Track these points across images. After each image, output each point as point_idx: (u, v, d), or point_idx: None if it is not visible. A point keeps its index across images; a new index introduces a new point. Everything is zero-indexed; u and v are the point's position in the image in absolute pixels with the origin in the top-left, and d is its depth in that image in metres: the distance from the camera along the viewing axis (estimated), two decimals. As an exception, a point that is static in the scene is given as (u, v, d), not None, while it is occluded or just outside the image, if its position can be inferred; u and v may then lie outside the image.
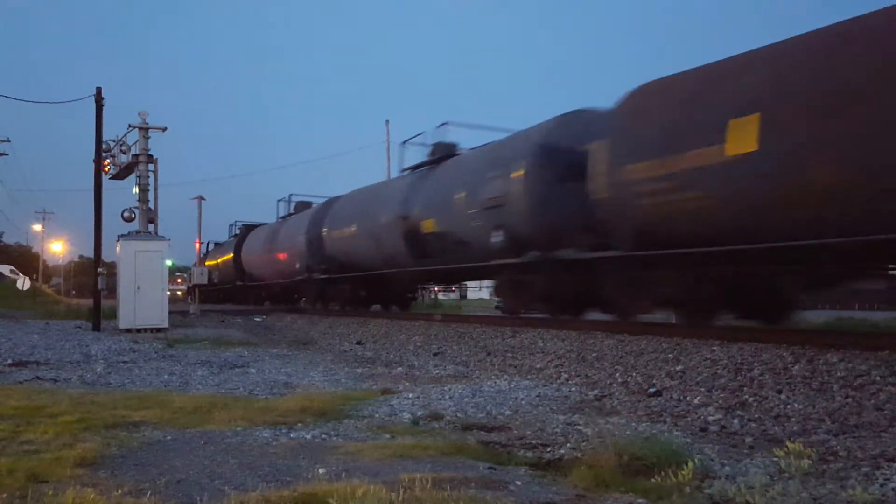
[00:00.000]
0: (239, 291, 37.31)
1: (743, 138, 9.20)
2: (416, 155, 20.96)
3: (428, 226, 18.13)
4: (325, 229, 24.85)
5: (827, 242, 8.78)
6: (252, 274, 34.33)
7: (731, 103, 9.62)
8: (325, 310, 25.77)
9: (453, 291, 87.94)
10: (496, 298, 20.76)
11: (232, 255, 37.26)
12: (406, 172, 21.65)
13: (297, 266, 27.45)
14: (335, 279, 24.56)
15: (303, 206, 30.96)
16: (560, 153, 14.21)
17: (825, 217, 8.65)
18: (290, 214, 31.30)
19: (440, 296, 45.37)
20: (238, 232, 37.43)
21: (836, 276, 10.99)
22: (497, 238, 15.28)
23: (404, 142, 21.94)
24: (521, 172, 14.74)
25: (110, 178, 22.21)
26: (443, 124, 20.56)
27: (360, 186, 25.26)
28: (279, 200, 33.24)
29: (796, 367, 7.97)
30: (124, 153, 21.67)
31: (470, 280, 21.03)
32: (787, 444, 4.70)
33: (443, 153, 19.64)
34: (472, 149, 19.04)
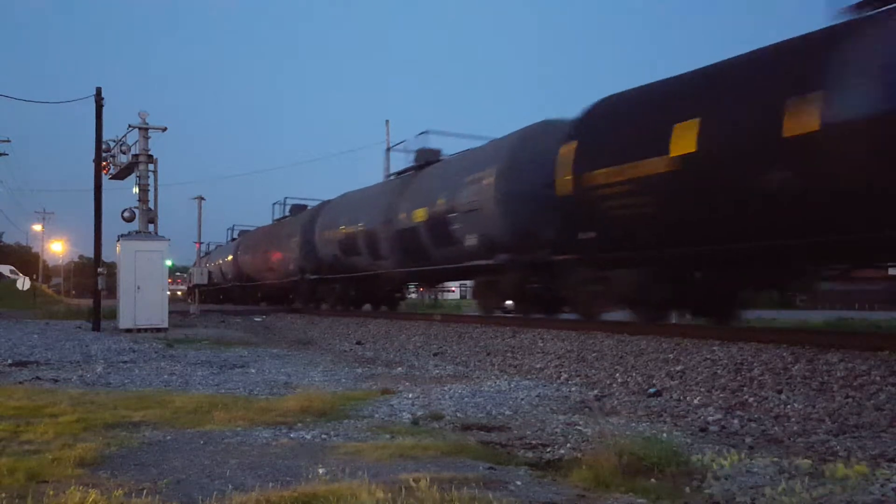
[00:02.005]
0: (237, 292, 38.44)
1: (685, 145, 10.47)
2: (402, 161, 22.32)
3: (411, 229, 19.01)
4: (316, 232, 25.68)
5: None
6: (249, 275, 35.24)
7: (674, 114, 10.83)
8: (318, 309, 26.37)
9: (452, 292, 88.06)
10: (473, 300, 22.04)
11: (231, 257, 38.64)
12: (392, 177, 22.57)
13: (291, 267, 28.37)
14: (326, 279, 25.34)
15: (297, 209, 31.73)
16: (529, 161, 15.01)
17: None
18: (284, 217, 32.19)
19: (441, 295, 46.06)
20: (236, 236, 39.18)
21: (779, 277, 11.78)
22: (472, 241, 16.24)
23: (389, 148, 23.32)
24: (492, 179, 15.67)
25: (110, 178, 22.22)
26: (423, 132, 21.81)
27: (360, 186, 25.72)
28: (274, 203, 34.30)
29: (796, 367, 7.98)
30: (124, 153, 21.68)
31: (451, 281, 22.42)
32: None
33: (425, 160, 20.60)
34: (452, 155, 20.06)
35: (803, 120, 8.54)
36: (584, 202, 12.51)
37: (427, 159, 20.61)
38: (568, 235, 13.35)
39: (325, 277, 25.36)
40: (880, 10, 8.52)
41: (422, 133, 21.61)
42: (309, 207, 30.09)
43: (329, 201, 27.35)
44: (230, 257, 37.69)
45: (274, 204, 34.18)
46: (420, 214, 18.49)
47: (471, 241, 16.26)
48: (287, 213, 31.60)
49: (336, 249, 24.14)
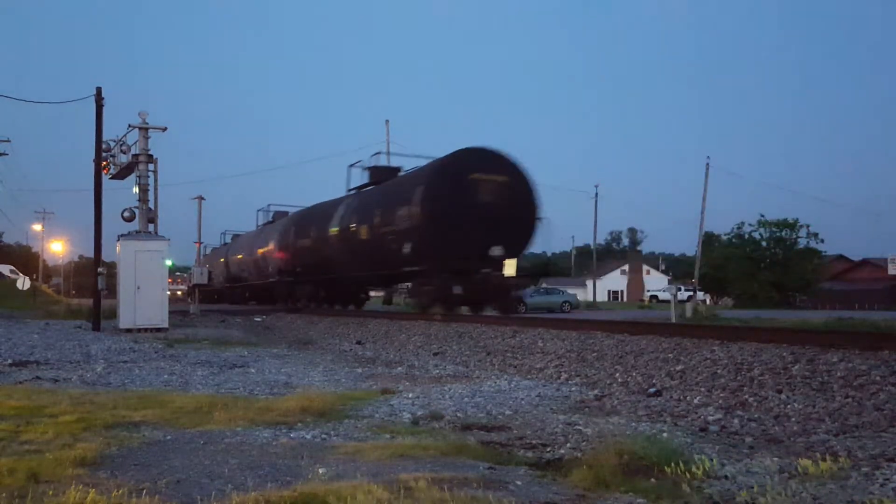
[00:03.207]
0: (228, 292, 41.17)
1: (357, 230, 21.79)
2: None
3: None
4: (290, 238, 28.97)
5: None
6: (237, 276, 38.10)
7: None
8: (295, 307, 28.91)
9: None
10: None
11: (222, 259, 41.38)
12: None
13: (271, 269, 31.43)
14: (300, 282, 28.28)
15: (280, 215, 34.07)
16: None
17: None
18: (268, 223, 34.79)
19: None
20: (228, 240, 42.37)
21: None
22: (407, 250, 18.99)
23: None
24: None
25: (110, 178, 22.20)
26: (376, 153, 25.79)
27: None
28: (259, 210, 37.21)
29: (796, 367, 7.97)
30: (124, 153, 21.67)
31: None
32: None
33: (377, 178, 23.62)
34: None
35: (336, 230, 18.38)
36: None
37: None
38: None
39: (299, 280, 28.40)
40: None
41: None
42: (289, 214, 32.95)
43: (300, 211, 30.78)
44: (222, 260, 39.74)
45: (258, 210, 37.21)
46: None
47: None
48: (270, 219, 33.95)
49: (306, 255, 27.25)
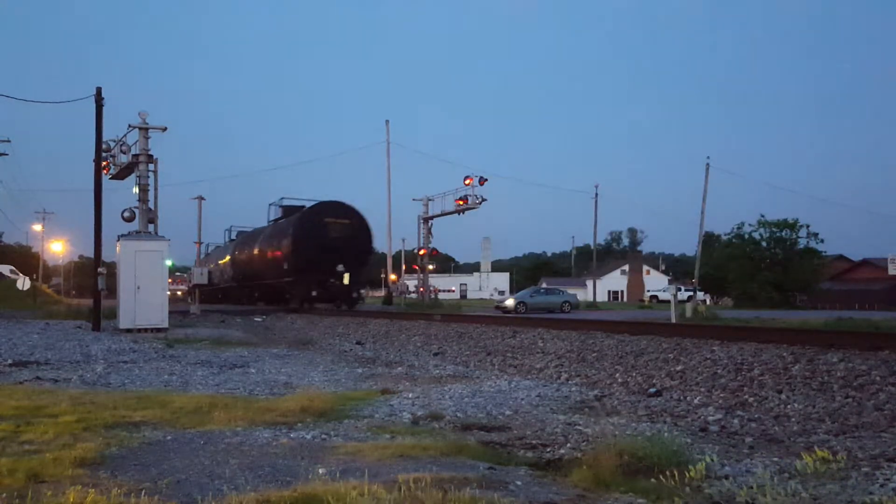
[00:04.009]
0: (208, 292, 44.11)
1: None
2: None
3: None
4: (236, 252, 38.02)
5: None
6: (213, 280, 42.60)
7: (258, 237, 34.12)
8: (244, 306, 35.11)
9: (452, 292, 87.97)
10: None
11: (228, 257, 44.00)
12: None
13: (226, 276, 39.95)
14: (243, 286, 36.74)
15: (290, 210, 35.77)
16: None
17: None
18: (232, 240, 42.40)
19: (441, 295, 46.85)
20: (234, 237, 45.15)
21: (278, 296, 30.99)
22: (286, 266, 29.29)
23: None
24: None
25: (110, 178, 22.20)
26: (283, 198, 34.03)
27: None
28: (226, 230, 44.28)
29: (796, 367, 7.98)
30: (124, 153, 21.66)
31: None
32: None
33: (286, 213, 32.63)
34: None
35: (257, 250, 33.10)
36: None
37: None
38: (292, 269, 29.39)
39: (243, 285, 37.00)
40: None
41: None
42: (245, 232, 40.66)
43: (243, 232, 40.51)
44: (228, 258, 40.49)
45: (226, 230, 44.39)
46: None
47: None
48: (280, 216, 35.21)
49: (245, 266, 36.24)
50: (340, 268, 28.20)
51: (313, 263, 27.47)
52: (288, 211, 33.50)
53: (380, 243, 37.65)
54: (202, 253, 44.79)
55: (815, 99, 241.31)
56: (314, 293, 28.12)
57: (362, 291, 31.23)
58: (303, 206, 31.94)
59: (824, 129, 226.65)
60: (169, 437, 5.52)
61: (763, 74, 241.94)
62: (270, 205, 35.76)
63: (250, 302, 35.75)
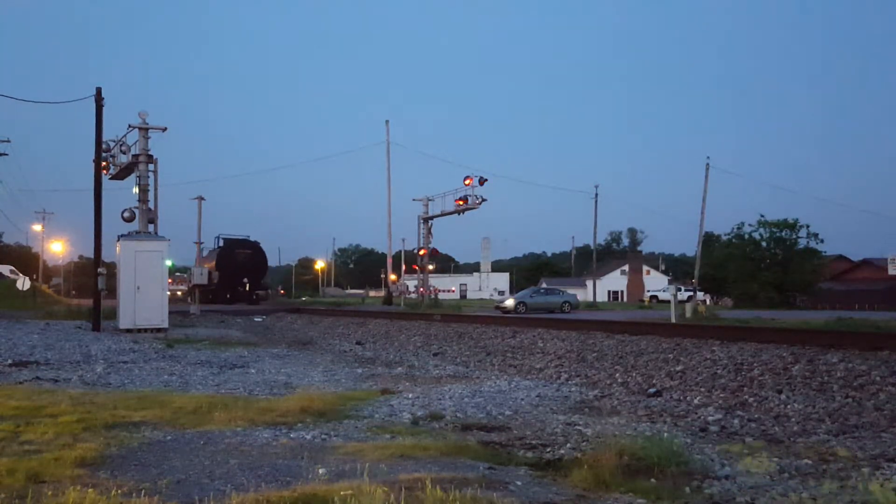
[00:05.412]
0: (202, 291, 47.97)
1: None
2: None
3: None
4: (210, 261, 45.41)
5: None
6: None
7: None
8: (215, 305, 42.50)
9: (452, 292, 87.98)
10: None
11: (214, 262, 48.93)
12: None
13: (193, 282, 46.55)
14: (211, 288, 44.45)
15: (225, 242, 46.64)
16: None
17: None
18: (213, 249, 48.69)
19: (440, 295, 47.12)
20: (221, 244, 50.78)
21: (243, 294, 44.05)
22: (214, 279, 40.47)
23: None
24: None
25: (110, 179, 22.20)
26: (219, 235, 46.30)
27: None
28: (215, 238, 50.64)
29: (796, 367, 7.98)
30: (124, 153, 21.66)
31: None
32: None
33: (220, 244, 45.54)
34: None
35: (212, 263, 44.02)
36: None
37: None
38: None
39: (210, 287, 44.30)
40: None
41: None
42: (212, 247, 48.34)
43: (210, 248, 48.53)
44: (214, 262, 45.35)
45: (215, 237, 50.25)
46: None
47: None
48: (220, 245, 46.68)
49: (209, 274, 43.45)
50: (245, 280, 43.38)
51: (227, 278, 42.23)
52: (224, 242, 46.49)
53: (380, 243, 38.62)
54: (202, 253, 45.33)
55: (815, 99, 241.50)
56: (228, 295, 42.01)
57: (260, 293, 44.50)
58: (234, 239, 47.18)
59: (825, 129, 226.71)
60: (169, 438, 5.52)
61: (763, 74, 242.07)
62: (215, 237, 47.62)
63: (214, 301, 45.68)
